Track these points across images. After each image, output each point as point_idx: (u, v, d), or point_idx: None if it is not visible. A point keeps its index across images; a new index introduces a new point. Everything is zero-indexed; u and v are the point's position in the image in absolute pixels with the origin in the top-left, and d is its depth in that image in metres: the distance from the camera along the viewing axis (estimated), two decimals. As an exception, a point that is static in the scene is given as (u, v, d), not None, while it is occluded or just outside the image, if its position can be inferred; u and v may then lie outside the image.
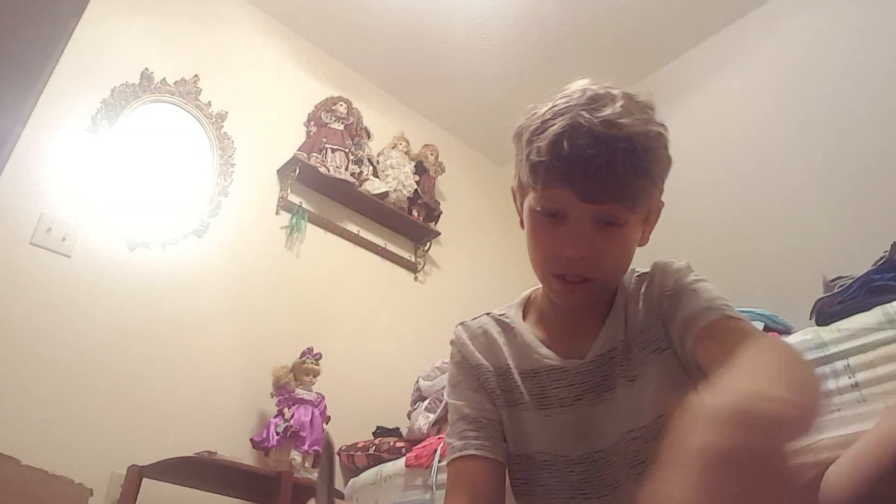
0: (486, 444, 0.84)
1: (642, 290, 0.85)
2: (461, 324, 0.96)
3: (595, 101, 0.72)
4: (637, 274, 0.88)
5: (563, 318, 0.87)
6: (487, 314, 0.95)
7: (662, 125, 0.76)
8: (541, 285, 0.91)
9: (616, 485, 0.80)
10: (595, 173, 0.70)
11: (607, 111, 0.71)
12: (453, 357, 0.94)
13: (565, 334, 0.87)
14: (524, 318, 0.92)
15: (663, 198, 0.82)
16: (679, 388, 0.76)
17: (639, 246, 0.81)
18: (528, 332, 0.89)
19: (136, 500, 1.81)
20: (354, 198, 2.81)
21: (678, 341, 0.78)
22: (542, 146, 0.72)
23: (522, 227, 0.85)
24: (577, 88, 0.76)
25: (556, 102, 0.75)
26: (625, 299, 0.85)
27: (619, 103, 0.72)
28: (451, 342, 0.95)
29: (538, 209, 0.77)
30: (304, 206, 2.68)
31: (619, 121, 0.70)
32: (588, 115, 0.71)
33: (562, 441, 0.83)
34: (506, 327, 0.92)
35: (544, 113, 0.75)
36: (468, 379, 0.90)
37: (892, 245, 1.55)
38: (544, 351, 0.86)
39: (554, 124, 0.72)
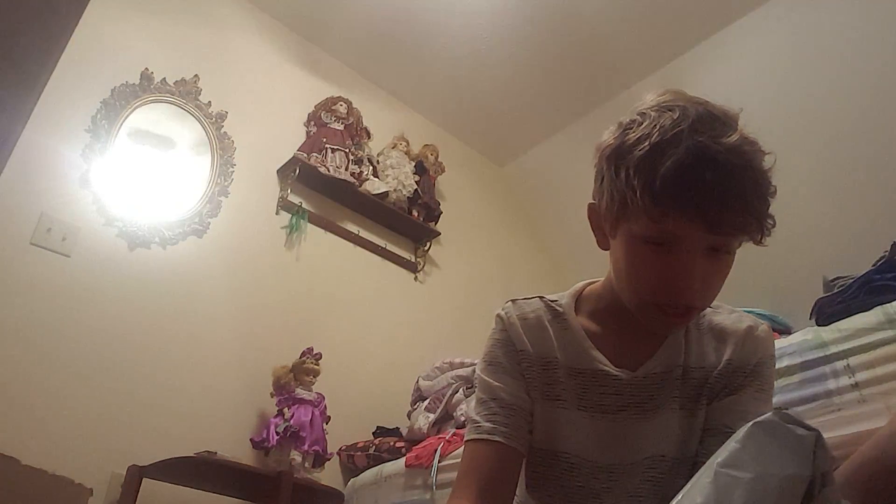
0: (514, 434, 0.82)
1: (716, 323, 0.85)
2: (512, 301, 0.92)
3: (710, 124, 0.70)
4: None
5: (620, 323, 0.85)
6: (540, 298, 0.91)
7: (763, 149, 0.74)
8: (595, 281, 0.91)
9: (638, 498, 0.80)
10: (729, 205, 0.68)
11: (732, 138, 0.69)
12: (497, 333, 0.90)
13: (619, 340, 0.85)
14: (576, 310, 0.89)
15: None
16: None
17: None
18: (581, 328, 0.87)
19: (136, 500, 1.81)
20: (354, 198, 2.81)
21: (709, 421, 0.80)
22: (668, 176, 0.68)
23: (602, 248, 0.83)
24: (672, 104, 0.73)
25: (661, 123, 0.71)
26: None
27: (736, 129, 0.70)
28: (498, 317, 0.91)
29: (644, 237, 0.73)
30: (304, 206, 2.68)
31: (744, 149, 0.69)
32: (712, 144, 0.68)
33: (593, 445, 0.83)
34: (558, 317, 0.89)
35: (649, 134, 0.71)
36: (509, 362, 0.86)
37: (892, 245, 1.55)
38: (596, 353, 0.84)
39: (674, 151, 0.68)
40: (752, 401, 0.79)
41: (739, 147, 0.69)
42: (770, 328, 0.86)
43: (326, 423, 2.17)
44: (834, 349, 1.23)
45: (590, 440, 0.83)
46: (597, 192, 0.80)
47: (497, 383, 0.85)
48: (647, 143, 0.71)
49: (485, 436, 0.81)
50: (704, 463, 0.76)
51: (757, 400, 0.79)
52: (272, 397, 2.17)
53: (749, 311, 2.04)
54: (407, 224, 2.98)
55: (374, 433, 2.45)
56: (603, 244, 0.82)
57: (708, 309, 0.86)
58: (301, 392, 2.16)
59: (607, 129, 0.79)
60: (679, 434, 0.81)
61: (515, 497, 0.88)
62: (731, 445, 0.52)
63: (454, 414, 2.20)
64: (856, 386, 1.17)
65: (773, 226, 0.74)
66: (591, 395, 0.83)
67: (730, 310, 0.88)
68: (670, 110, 0.72)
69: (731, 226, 0.70)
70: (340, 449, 2.38)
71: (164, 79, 2.43)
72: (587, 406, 0.83)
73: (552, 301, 0.91)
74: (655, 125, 0.71)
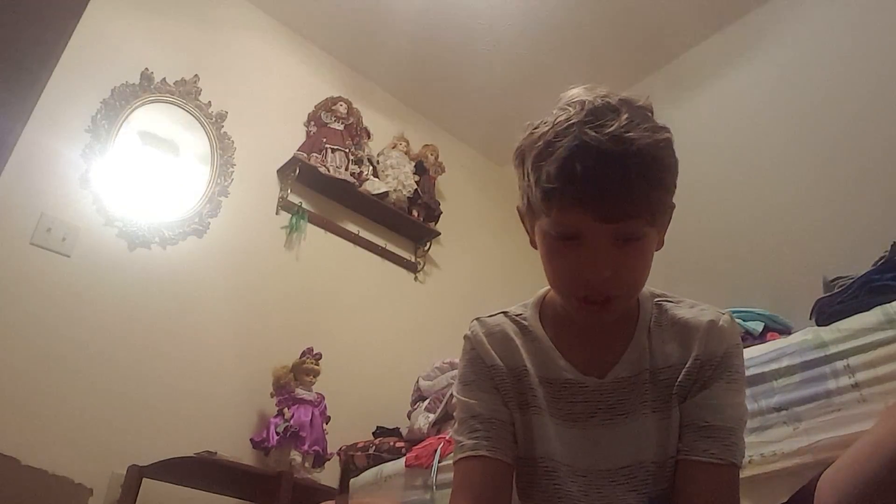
0: (498, 446, 0.82)
1: (677, 320, 0.84)
2: (477, 319, 0.92)
3: (597, 116, 0.70)
4: (658, 300, 0.87)
5: (581, 328, 0.85)
6: (504, 313, 0.92)
7: (666, 129, 0.74)
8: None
9: (622, 498, 0.80)
10: (610, 193, 0.68)
11: (613, 126, 0.68)
12: (466, 353, 0.91)
13: (584, 346, 0.85)
14: (541, 320, 0.90)
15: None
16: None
17: (656, 250, 0.78)
18: (547, 338, 0.87)
19: (136, 500, 1.81)
20: (354, 198, 2.81)
21: (684, 419, 0.80)
22: (551, 171, 0.69)
23: (533, 247, 0.83)
24: (573, 101, 0.74)
25: (557, 119, 0.72)
26: (647, 324, 0.85)
27: (623, 115, 0.70)
28: (466, 337, 0.92)
29: (553, 233, 0.74)
30: (304, 206, 2.68)
31: (627, 135, 0.68)
32: (594, 133, 0.68)
33: (567, 451, 0.83)
34: (524, 329, 0.89)
35: (545, 132, 0.72)
36: (481, 378, 0.87)
37: (892, 245, 1.55)
38: (563, 363, 0.85)
39: (559, 145, 0.70)
40: (724, 392, 0.79)
41: (620, 134, 0.68)
42: (732, 317, 0.84)
43: (326, 423, 2.17)
44: (834, 349, 1.23)
45: (564, 446, 0.83)
46: (518, 194, 0.82)
47: (473, 400, 0.86)
48: (541, 141, 0.72)
49: (469, 452, 0.82)
50: (685, 460, 0.77)
51: (728, 391, 0.79)
52: (272, 397, 2.17)
53: (749, 311, 2.04)
54: (407, 224, 2.98)
55: (374, 433, 2.45)
56: (533, 244, 0.83)
57: (669, 304, 0.86)
58: (301, 392, 2.16)
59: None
60: (656, 438, 0.80)
61: None
62: None
63: (454, 414, 2.20)
64: (856, 386, 1.17)
65: (672, 207, 0.76)
66: (562, 404, 0.84)
67: (691, 303, 0.87)
68: (571, 106, 0.73)
69: (618, 214, 0.69)
70: (340, 449, 2.38)
71: (164, 79, 2.43)
72: (558, 414, 0.84)
73: (517, 315, 0.91)
74: (552, 122, 0.73)
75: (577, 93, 0.76)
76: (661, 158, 0.71)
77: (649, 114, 0.75)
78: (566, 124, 0.71)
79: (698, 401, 0.79)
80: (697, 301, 0.87)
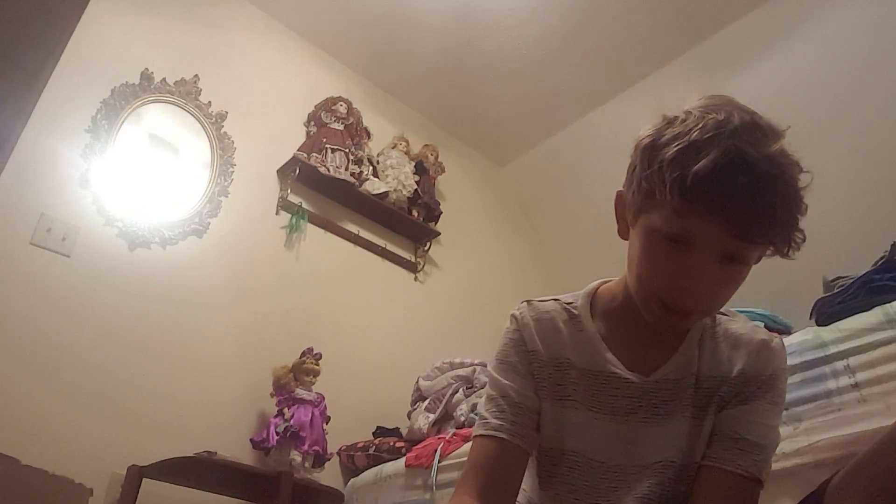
0: (520, 432, 0.83)
1: (731, 333, 0.86)
2: (527, 301, 0.92)
3: (752, 132, 0.69)
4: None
5: (634, 326, 0.85)
6: (556, 300, 0.92)
7: (799, 160, 0.73)
8: (610, 280, 0.91)
9: (645, 499, 0.80)
10: (756, 211, 0.67)
11: (771, 148, 0.69)
12: (510, 333, 0.90)
13: (632, 343, 0.86)
14: (591, 312, 0.89)
15: None
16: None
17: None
18: (595, 331, 0.87)
19: (136, 500, 1.81)
20: (354, 198, 2.81)
21: (719, 428, 0.81)
22: (702, 173, 0.67)
23: (622, 237, 0.82)
24: (717, 107, 0.72)
25: (705, 122, 0.70)
26: (700, 331, 0.85)
27: (778, 140, 0.70)
28: (512, 317, 0.91)
29: (664, 231, 0.73)
30: (304, 206, 2.68)
31: (781, 161, 0.69)
32: (752, 150, 0.67)
33: (601, 446, 0.84)
34: (573, 318, 0.89)
35: (691, 131, 0.71)
36: (521, 361, 0.88)
37: (892, 245, 1.55)
38: (609, 356, 0.85)
39: (711, 149, 0.68)
40: (764, 411, 0.80)
41: (776, 158, 0.68)
42: (783, 343, 0.86)
43: (326, 423, 2.17)
44: (834, 349, 1.23)
45: (598, 441, 0.84)
46: (627, 181, 0.80)
47: (507, 381, 0.87)
48: (685, 140, 0.70)
49: (491, 432, 0.83)
50: (712, 467, 0.78)
51: (769, 411, 0.80)
52: (272, 397, 2.17)
53: (749, 311, 2.04)
54: (407, 224, 2.98)
55: (374, 433, 2.45)
56: (623, 233, 0.83)
57: (724, 317, 0.88)
58: (301, 392, 2.16)
59: (647, 123, 0.78)
60: (686, 440, 0.81)
61: (523, 492, 0.89)
62: None
63: (454, 414, 2.20)
64: (856, 386, 1.17)
65: (803, 240, 0.73)
66: (603, 398, 0.84)
67: (745, 319, 0.89)
68: (716, 113, 0.71)
69: (754, 233, 0.69)
70: (340, 449, 2.38)
71: (164, 79, 2.43)
72: (598, 408, 0.84)
73: (568, 303, 0.91)
74: (698, 124, 0.71)
75: (717, 100, 0.75)
76: (800, 191, 0.71)
77: (787, 144, 0.73)
78: (716, 130, 0.69)
79: (737, 414, 0.80)
80: (750, 320, 0.89)
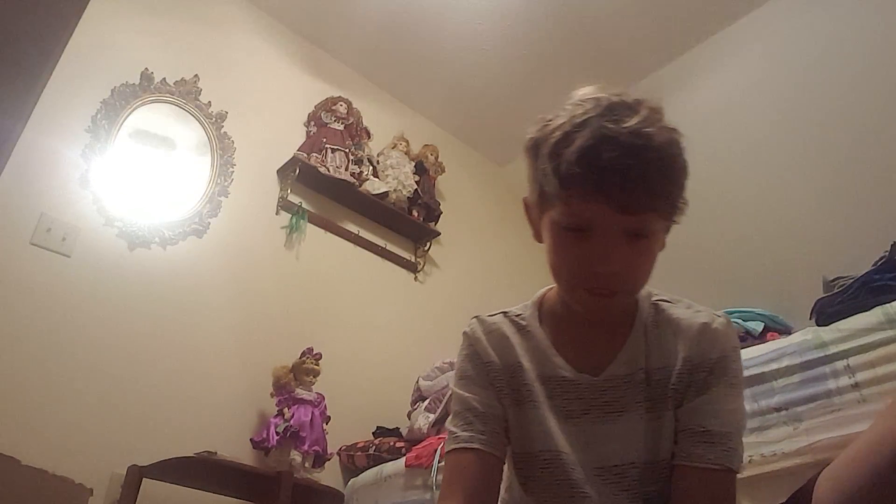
0: (491, 440, 0.84)
1: (673, 320, 0.85)
2: (476, 317, 0.94)
3: (615, 111, 0.72)
4: (655, 300, 0.88)
5: (579, 326, 0.87)
6: (504, 313, 0.94)
7: (678, 130, 0.76)
8: (551, 286, 0.92)
9: (614, 498, 0.80)
10: (630, 184, 0.69)
11: (632, 121, 0.71)
12: (464, 349, 0.93)
13: (580, 344, 0.87)
14: (540, 319, 0.91)
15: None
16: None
17: (659, 251, 0.80)
18: (544, 337, 0.89)
19: (136, 500, 1.81)
20: (354, 198, 2.81)
21: (681, 423, 0.80)
22: (572, 159, 0.71)
23: (537, 240, 0.84)
24: (588, 97, 0.76)
25: (574, 113, 0.74)
26: (644, 324, 0.86)
27: (640, 113, 0.72)
28: (465, 334, 0.94)
29: (563, 224, 0.76)
30: (304, 206, 2.68)
31: (647, 130, 0.70)
32: (614, 126, 0.70)
33: (564, 444, 0.84)
34: (521, 329, 0.91)
35: (562, 124, 0.74)
36: (478, 374, 0.89)
37: (892, 245, 1.55)
38: (558, 360, 0.86)
39: (579, 135, 0.71)
40: (722, 397, 0.79)
41: (641, 129, 0.70)
42: (728, 320, 0.84)
43: (326, 423, 2.17)
44: (834, 349, 1.23)
45: (562, 439, 0.84)
46: (528, 185, 0.83)
47: (469, 394, 0.88)
48: (559, 132, 0.74)
49: (462, 444, 0.84)
50: (682, 466, 0.77)
51: (727, 395, 0.79)
52: (272, 397, 2.17)
53: (749, 311, 2.04)
54: (407, 224, 2.98)
55: (374, 433, 2.45)
56: (537, 237, 0.85)
57: (667, 304, 0.87)
58: (301, 392, 2.16)
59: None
60: (645, 438, 0.81)
61: (503, 501, 0.90)
62: None
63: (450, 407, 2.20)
64: (856, 386, 1.17)
65: (686, 205, 0.77)
66: (558, 401, 0.85)
67: (688, 304, 0.88)
68: (586, 102, 0.75)
69: (635, 205, 0.71)
70: (340, 449, 2.38)
71: (164, 79, 2.43)
72: (556, 410, 0.85)
73: (516, 315, 0.93)
74: (569, 115, 0.74)
75: (589, 90, 0.77)
76: (677, 156, 0.74)
77: (661, 115, 0.76)
78: (584, 117, 0.72)
79: (696, 406, 0.79)
80: (695, 303, 0.87)
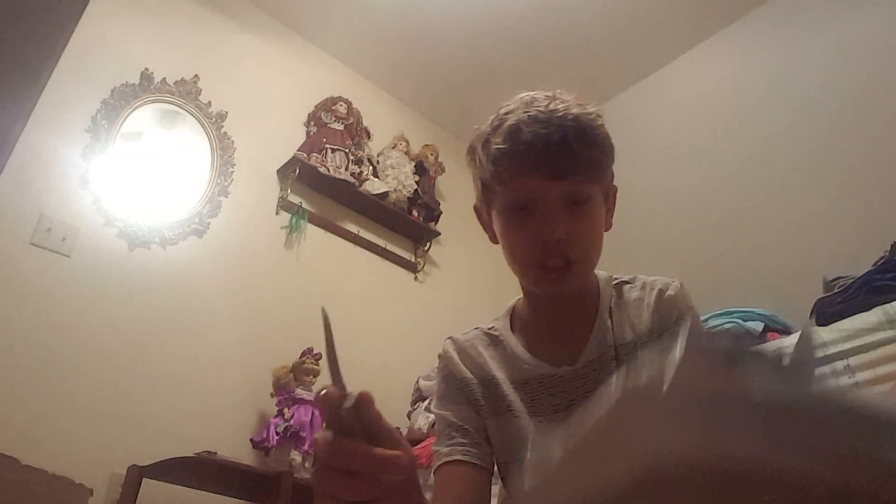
0: (473, 450, 0.85)
1: (633, 297, 0.88)
2: (450, 338, 0.98)
3: (537, 100, 0.80)
4: (616, 282, 0.91)
5: (548, 324, 0.90)
6: (477, 328, 0.97)
7: (598, 110, 0.82)
8: (521, 295, 0.94)
9: None
10: (554, 149, 0.76)
11: (554, 103, 0.79)
12: (440, 370, 0.96)
13: (552, 341, 0.89)
14: (512, 327, 0.94)
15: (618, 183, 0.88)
16: None
17: (605, 231, 0.85)
18: (516, 343, 0.91)
19: (136, 500, 1.81)
20: (354, 198, 2.81)
21: None
22: (499, 140, 0.79)
23: (493, 242, 0.89)
24: (516, 97, 0.84)
25: (499, 111, 0.83)
26: (608, 306, 0.88)
27: (561, 98, 0.81)
28: (439, 356, 0.97)
29: (506, 206, 0.81)
30: (303, 206, 2.68)
31: (563, 106, 0.79)
32: (535, 110, 0.78)
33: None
34: (494, 340, 0.94)
35: (491, 121, 0.83)
36: (454, 392, 0.92)
37: (892, 245, 1.55)
38: (533, 361, 0.88)
39: (505, 124, 0.80)
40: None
41: (558, 104, 0.79)
42: (683, 284, 0.88)
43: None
44: (834, 349, 1.23)
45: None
46: (474, 190, 0.90)
47: (447, 412, 0.91)
48: (488, 128, 0.83)
49: (445, 459, 0.86)
50: None
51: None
52: (272, 397, 2.17)
53: (749, 312, 2.03)
54: (407, 224, 2.98)
55: (374, 433, 2.45)
56: (493, 238, 0.90)
57: (626, 285, 0.91)
58: (301, 392, 2.16)
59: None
60: None
61: None
62: None
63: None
64: (856, 386, 1.17)
65: (612, 177, 0.85)
66: (541, 400, 0.86)
67: (644, 279, 0.91)
68: (513, 101, 0.83)
69: (563, 170, 0.77)
70: (340, 449, 2.37)
71: (164, 79, 2.43)
72: (538, 412, 0.86)
73: (489, 328, 0.96)
74: (497, 115, 0.83)
75: (518, 95, 0.85)
76: (595, 127, 0.80)
77: (583, 102, 0.82)
78: (509, 109, 0.82)
79: None
80: (651, 277, 0.91)
